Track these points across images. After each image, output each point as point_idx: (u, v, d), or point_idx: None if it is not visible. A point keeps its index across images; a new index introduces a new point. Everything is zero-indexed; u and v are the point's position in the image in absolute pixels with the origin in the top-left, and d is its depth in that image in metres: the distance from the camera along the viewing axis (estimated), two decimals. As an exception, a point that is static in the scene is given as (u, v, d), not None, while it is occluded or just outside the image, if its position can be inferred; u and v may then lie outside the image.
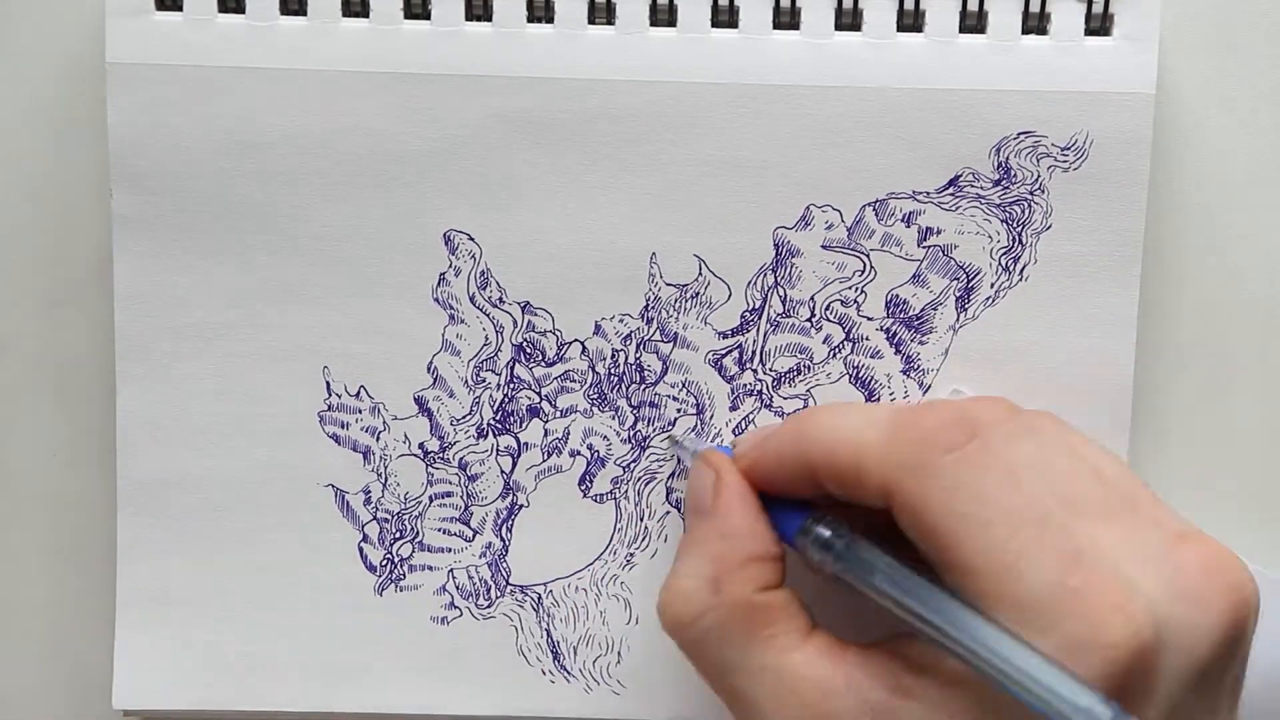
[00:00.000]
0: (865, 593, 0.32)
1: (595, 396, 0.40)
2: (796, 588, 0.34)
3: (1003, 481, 0.31)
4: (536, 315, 0.40)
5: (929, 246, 0.39)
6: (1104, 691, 0.28)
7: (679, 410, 0.40)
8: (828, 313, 0.40)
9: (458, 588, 0.41)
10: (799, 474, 0.34)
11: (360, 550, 0.40)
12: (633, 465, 0.40)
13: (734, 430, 0.40)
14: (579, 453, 0.40)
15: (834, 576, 0.34)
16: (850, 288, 0.39)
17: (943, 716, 0.30)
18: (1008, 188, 0.39)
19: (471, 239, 0.39)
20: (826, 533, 0.34)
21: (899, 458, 0.32)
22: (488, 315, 0.40)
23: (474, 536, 0.40)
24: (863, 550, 0.33)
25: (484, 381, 0.40)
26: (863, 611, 0.33)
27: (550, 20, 0.38)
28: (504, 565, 0.40)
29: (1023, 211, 0.39)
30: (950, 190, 0.39)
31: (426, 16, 0.39)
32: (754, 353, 0.40)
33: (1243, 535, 0.41)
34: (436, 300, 0.40)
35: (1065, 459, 0.32)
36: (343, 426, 0.40)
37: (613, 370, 0.40)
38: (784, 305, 0.40)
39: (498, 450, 0.40)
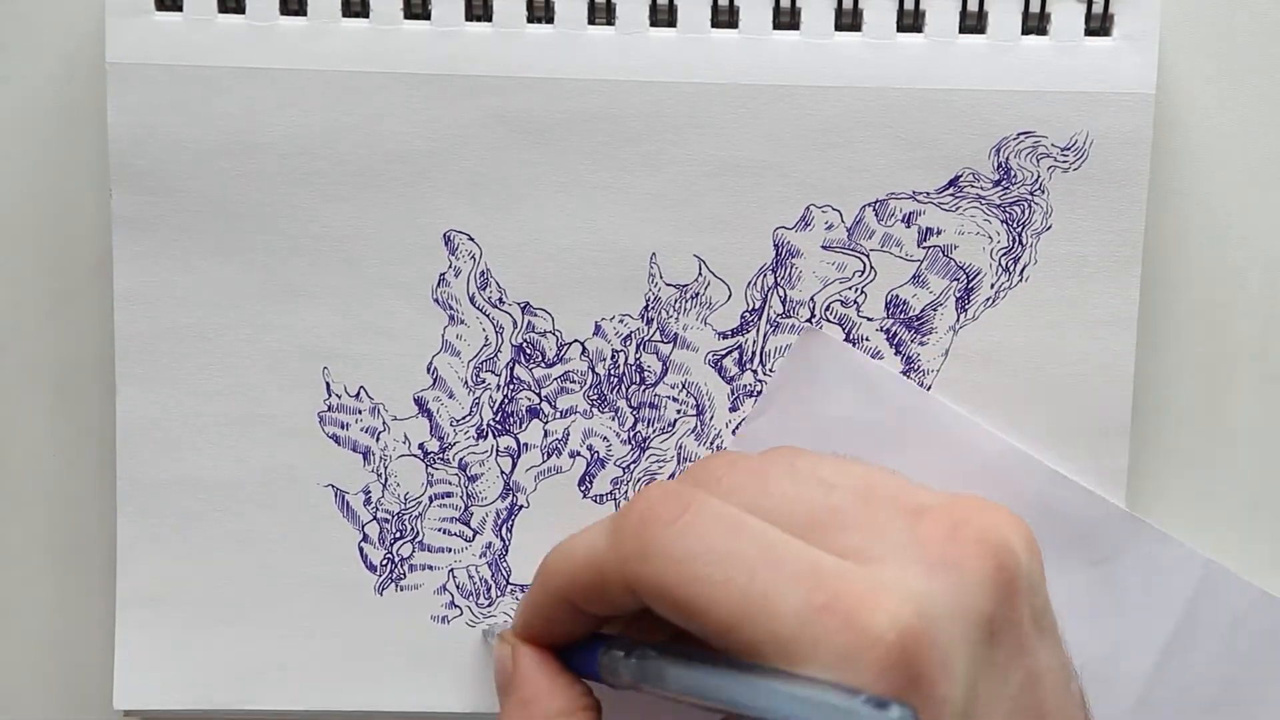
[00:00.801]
0: (684, 702, 0.32)
1: (595, 397, 0.40)
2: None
3: (727, 533, 0.30)
4: (536, 316, 0.40)
5: (929, 247, 0.39)
6: (891, 686, 0.28)
7: (679, 411, 0.40)
8: (828, 313, 0.40)
9: (458, 587, 0.41)
10: (559, 612, 0.34)
11: (360, 550, 0.40)
12: (633, 466, 0.40)
13: (734, 431, 0.40)
14: (579, 453, 0.40)
15: (646, 691, 0.33)
16: (850, 288, 0.39)
17: None
18: (1008, 188, 0.39)
19: (471, 239, 0.39)
20: (619, 651, 0.33)
21: (626, 550, 0.31)
22: (488, 316, 0.40)
23: (474, 536, 0.40)
24: (650, 659, 0.32)
25: (484, 382, 0.40)
26: None
27: (550, 20, 0.38)
28: (504, 565, 0.40)
29: (1023, 212, 0.39)
30: (950, 190, 0.39)
31: (426, 16, 0.39)
32: (754, 353, 0.40)
33: (1242, 535, 0.41)
34: (436, 301, 0.40)
35: (786, 483, 0.32)
36: (343, 427, 0.40)
37: (613, 371, 0.40)
38: (784, 306, 0.40)
39: (498, 451, 0.40)
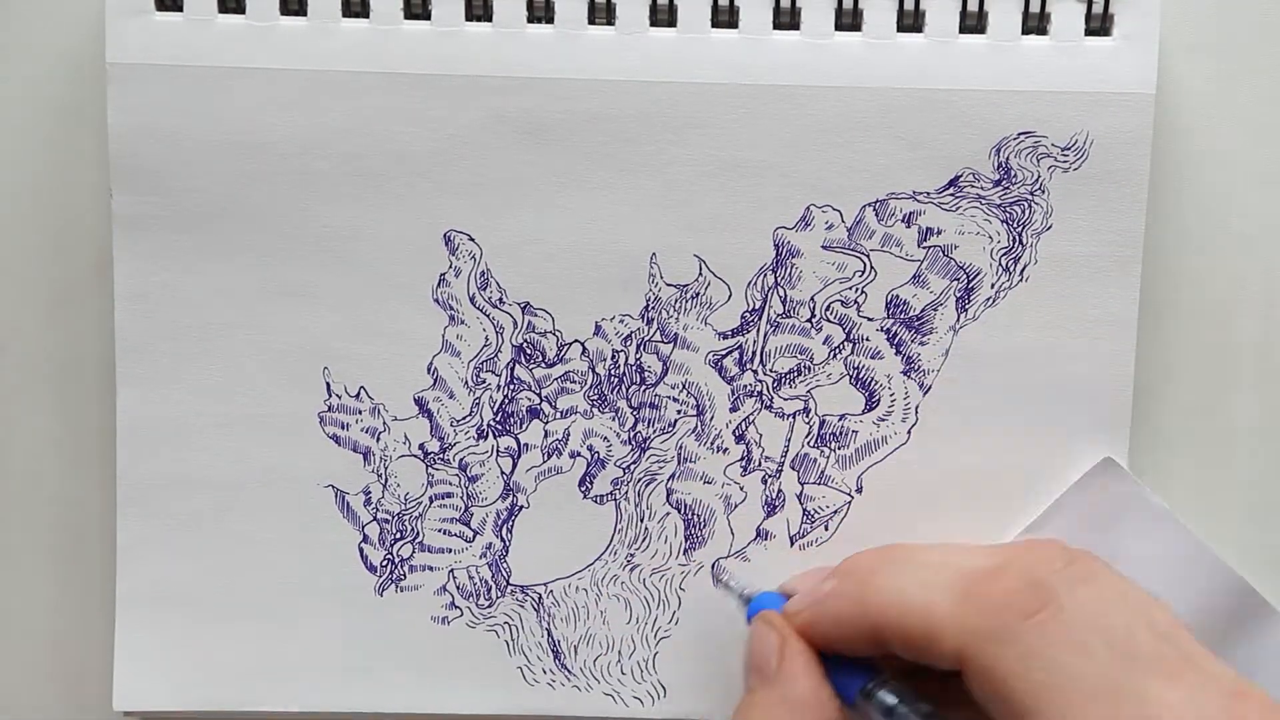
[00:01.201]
0: None
1: (595, 397, 0.40)
2: None
3: (1076, 648, 0.31)
4: (536, 316, 0.40)
5: (929, 247, 0.39)
6: None
7: (679, 411, 0.40)
8: (828, 313, 0.40)
9: (458, 588, 0.41)
10: (862, 636, 0.34)
11: (360, 551, 0.40)
12: (633, 466, 0.40)
13: (734, 433, 0.40)
14: (579, 454, 0.40)
15: None
16: (850, 288, 0.39)
17: None
18: (1008, 188, 0.39)
19: (471, 239, 0.39)
20: (892, 699, 0.34)
21: (975, 625, 0.32)
22: (488, 316, 0.40)
23: (474, 537, 0.40)
24: (925, 716, 0.33)
25: (484, 382, 0.40)
26: None
27: (550, 20, 0.38)
28: (504, 565, 0.40)
29: (1023, 212, 0.39)
30: (950, 190, 0.39)
31: (426, 16, 0.39)
32: (754, 353, 0.40)
33: (1242, 535, 0.41)
34: (436, 301, 0.40)
35: (1126, 612, 0.32)
36: (343, 427, 0.40)
37: (613, 371, 0.40)
38: (784, 306, 0.40)
39: (498, 451, 0.40)
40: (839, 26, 0.39)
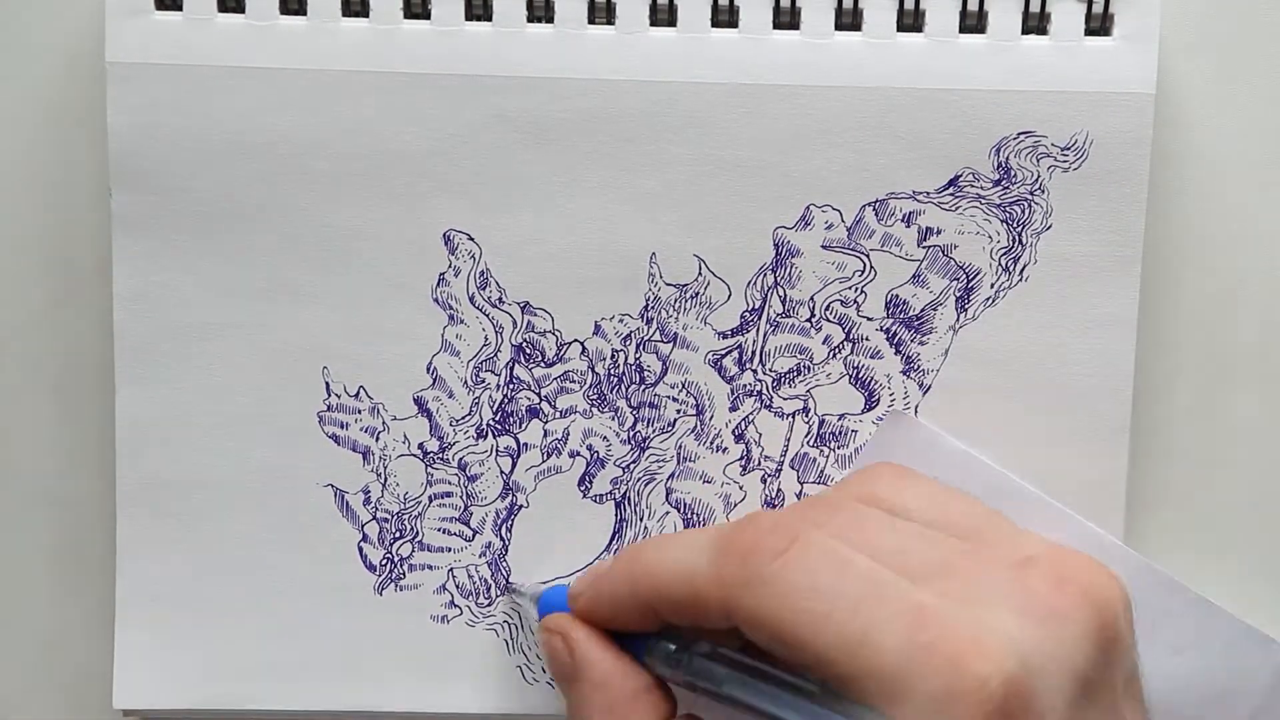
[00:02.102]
0: (724, 703, 0.33)
1: (595, 397, 0.40)
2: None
3: (834, 568, 0.31)
4: (536, 315, 0.40)
5: (929, 246, 0.39)
6: None
7: (679, 410, 0.40)
8: (828, 313, 0.40)
9: (458, 587, 0.41)
10: (637, 611, 0.34)
11: (360, 550, 0.40)
12: (632, 466, 0.40)
13: (734, 432, 0.40)
14: (578, 453, 0.40)
15: (701, 693, 0.33)
16: (850, 288, 0.39)
17: None
18: (1008, 188, 0.39)
19: (471, 239, 0.39)
20: (670, 646, 0.34)
21: (729, 577, 0.32)
22: (487, 315, 0.40)
23: (474, 536, 0.40)
24: (705, 660, 0.33)
25: (483, 382, 0.40)
26: None
27: (550, 20, 0.38)
28: (504, 565, 0.40)
29: (1023, 211, 0.39)
30: (950, 190, 0.39)
31: (426, 16, 0.39)
32: (754, 353, 0.40)
33: (1242, 535, 0.41)
34: (436, 300, 0.40)
35: (888, 532, 0.32)
36: (342, 427, 0.40)
37: (612, 371, 0.40)
38: (784, 305, 0.40)
39: (497, 451, 0.40)
40: (839, 26, 0.39)
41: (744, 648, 0.33)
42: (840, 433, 0.40)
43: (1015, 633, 0.29)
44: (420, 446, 0.40)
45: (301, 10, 0.38)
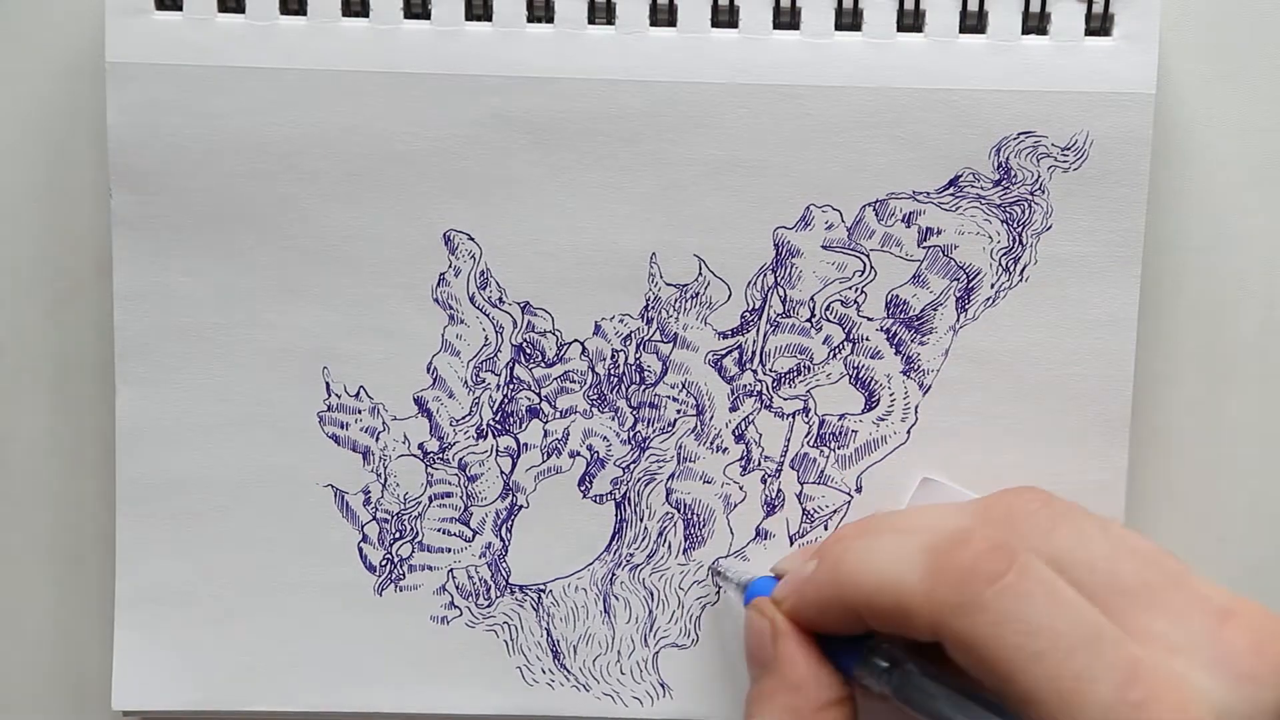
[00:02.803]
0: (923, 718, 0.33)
1: (595, 397, 0.40)
2: None
3: (1050, 604, 0.30)
4: (536, 315, 0.40)
5: (929, 247, 0.39)
6: None
7: (679, 410, 0.40)
8: (828, 313, 0.40)
9: (457, 587, 0.41)
10: (845, 615, 0.34)
11: (360, 550, 0.40)
12: (632, 466, 0.40)
13: (734, 432, 0.40)
14: (579, 453, 0.40)
15: (899, 704, 0.34)
16: (850, 288, 0.39)
17: None
18: (1008, 188, 0.39)
19: (471, 239, 0.39)
20: (883, 663, 0.34)
21: (943, 598, 0.31)
22: (487, 315, 0.40)
23: (474, 537, 0.40)
24: (919, 679, 0.33)
25: (483, 382, 0.40)
26: None
27: (550, 20, 0.38)
28: (504, 565, 0.40)
29: (1023, 212, 0.39)
30: (950, 190, 0.39)
31: (426, 16, 0.39)
32: (754, 353, 0.40)
33: (1242, 535, 0.41)
34: (436, 300, 0.40)
35: (1102, 543, 0.32)
36: (342, 427, 0.40)
37: (612, 371, 0.40)
38: (784, 305, 0.39)
39: (497, 451, 0.40)
40: (839, 26, 0.39)
41: (944, 660, 0.33)
42: (840, 433, 0.40)
43: (1215, 695, 0.29)
44: (420, 447, 0.40)
45: (301, 10, 0.38)
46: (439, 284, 0.40)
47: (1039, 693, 0.30)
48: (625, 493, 0.40)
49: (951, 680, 0.33)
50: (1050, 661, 0.30)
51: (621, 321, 0.40)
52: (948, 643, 0.31)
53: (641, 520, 0.40)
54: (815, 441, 0.40)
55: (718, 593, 0.40)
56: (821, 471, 0.40)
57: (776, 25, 0.39)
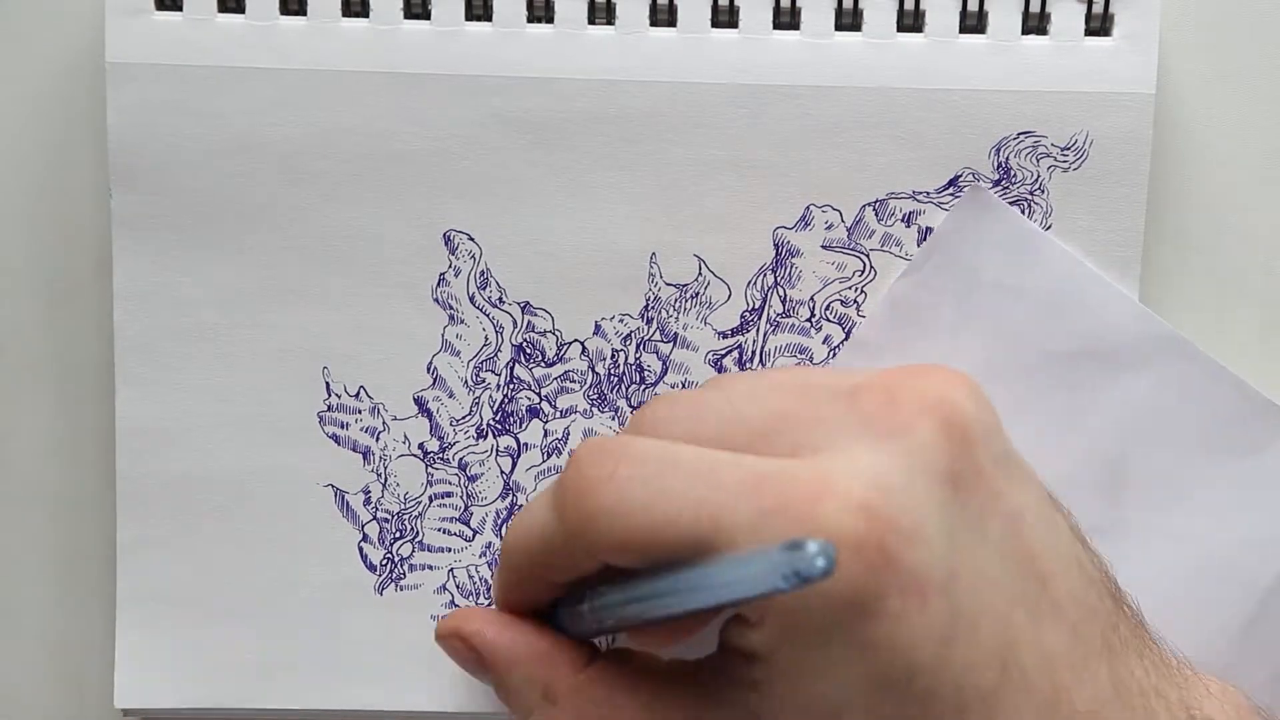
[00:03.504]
0: (636, 628, 0.32)
1: (595, 397, 0.40)
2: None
3: (662, 470, 0.30)
4: (536, 315, 0.40)
5: (929, 247, 0.39)
6: (864, 567, 0.28)
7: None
8: (827, 313, 0.40)
9: (458, 587, 0.41)
10: (535, 584, 0.34)
11: (360, 550, 0.40)
12: None
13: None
14: (579, 453, 0.40)
15: (621, 630, 0.33)
16: (850, 288, 0.39)
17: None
18: (1008, 188, 0.39)
19: (471, 239, 0.39)
20: (574, 604, 0.33)
21: (572, 521, 0.31)
22: (487, 315, 0.40)
23: (474, 536, 0.40)
24: (599, 596, 0.32)
25: (484, 382, 0.40)
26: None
27: (550, 20, 0.38)
28: (504, 565, 0.40)
29: (1023, 211, 0.39)
30: (950, 190, 0.39)
31: (426, 16, 0.39)
32: (754, 353, 0.40)
33: (1243, 535, 0.41)
34: (436, 300, 0.40)
35: (722, 405, 0.32)
36: (342, 427, 0.40)
37: (612, 370, 0.40)
38: (784, 305, 0.40)
39: (497, 451, 0.40)
40: (839, 26, 0.39)
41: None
42: (840, 433, 0.40)
43: (860, 461, 0.29)
44: (420, 446, 0.40)
45: (301, 10, 0.38)
46: (439, 284, 0.40)
47: (689, 548, 0.29)
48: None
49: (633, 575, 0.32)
50: (684, 517, 0.29)
51: (621, 321, 0.40)
52: (602, 556, 0.31)
53: (641, 520, 0.40)
54: (815, 441, 0.40)
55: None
56: (821, 471, 0.40)
57: (776, 25, 0.39)
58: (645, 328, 0.40)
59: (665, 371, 0.40)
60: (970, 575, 0.30)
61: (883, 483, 0.29)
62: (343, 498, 0.40)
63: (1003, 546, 0.30)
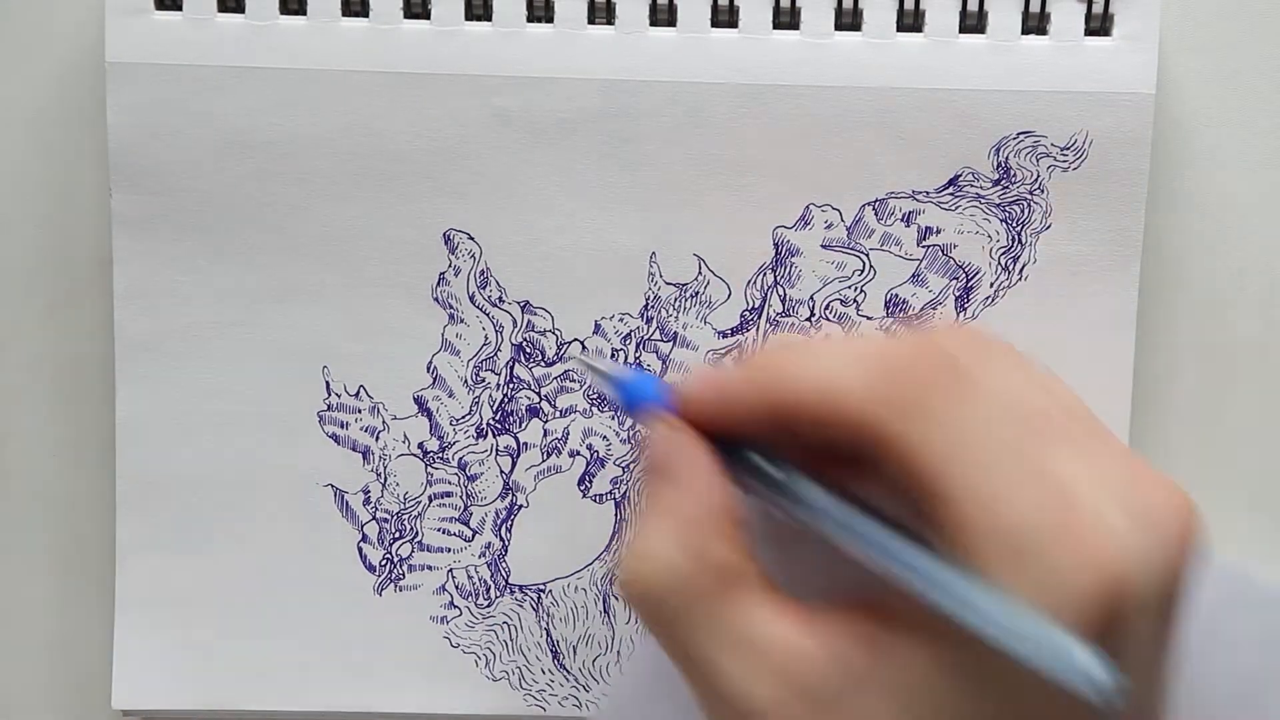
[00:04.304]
0: (815, 533, 0.32)
1: (595, 396, 0.40)
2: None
3: (984, 421, 0.30)
4: (536, 315, 0.40)
5: (928, 246, 0.39)
6: (1086, 626, 0.27)
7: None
8: (827, 312, 0.40)
9: (457, 587, 0.41)
10: (761, 423, 0.32)
11: (360, 550, 0.40)
12: (632, 465, 0.40)
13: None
14: (578, 453, 0.40)
15: (780, 521, 0.32)
16: (850, 287, 0.39)
17: (920, 669, 0.29)
18: (1007, 187, 0.39)
19: (471, 238, 0.39)
20: (765, 462, 0.32)
21: (881, 395, 0.30)
22: (487, 315, 0.40)
23: (473, 536, 0.40)
24: (806, 484, 0.32)
25: (483, 381, 0.40)
26: (818, 572, 0.32)
27: (550, 20, 0.39)
28: (503, 565, 0.40)
29: (1022, 211, 0.39)
30: (950, 190, 0.39)
31: (426, 16, 0.39)
32: (754, 352, 0.40)
33: (1242, 535, 0.41)
34: (436, 300, 0.40)
35: (1034, 389, 0.31)
36: (342, 426, 0.40)
37: (612, 370, 0.40)
38: (784, 305, 0.40)
39: (497, 450, 0.40)
40: (839, 26, 0.39)
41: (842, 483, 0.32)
42: (840, 432, 0.40)
43: (1126, 537, 0.29)
44: (420, 446, 0.40)
45: (301, 10, 0.38)
46: (439, 283, 0.40)
47: (961, 501, 0.29)
48: (625, 492, 0.40)
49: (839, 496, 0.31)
50: (978, 471, 0.29)
51: (621, 321, 0.40)
52: (876, 443, 0.30)
53: (641, 520, 0.40)
54: (815, 441, 0.40)
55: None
56: (821, 471, 0.40)
57: (776, 25, 0.39)
58: (645, 327, 0.40)
59: (665, 371, 0.40)
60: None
61: (1139, 574, 0.29)
62: (342, 497, 0.40)
63: (1139, 700, 0.31)
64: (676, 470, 0.33)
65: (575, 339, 0.40)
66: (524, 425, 0.40)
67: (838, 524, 0.31)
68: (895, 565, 0.30)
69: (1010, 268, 0.39)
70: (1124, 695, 0.26)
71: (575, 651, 0.41)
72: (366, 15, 0.39)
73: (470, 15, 0.39)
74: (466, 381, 0.40)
